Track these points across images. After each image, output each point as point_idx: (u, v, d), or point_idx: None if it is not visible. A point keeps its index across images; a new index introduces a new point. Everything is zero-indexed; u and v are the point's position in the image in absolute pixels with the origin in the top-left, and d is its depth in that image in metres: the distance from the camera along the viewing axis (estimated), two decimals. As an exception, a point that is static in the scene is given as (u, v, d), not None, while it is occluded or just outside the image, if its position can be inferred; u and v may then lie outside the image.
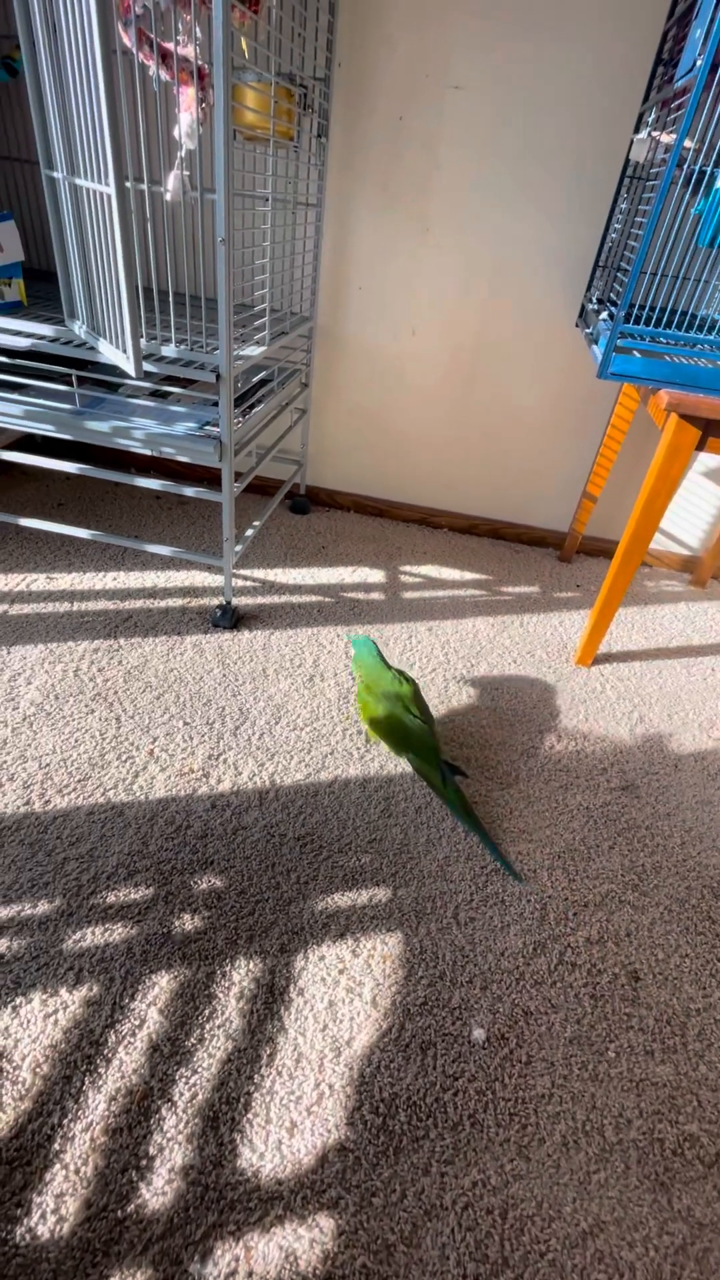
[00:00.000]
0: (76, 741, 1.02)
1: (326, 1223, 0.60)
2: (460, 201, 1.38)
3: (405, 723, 0.98)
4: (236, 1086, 0.68)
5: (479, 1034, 0.74)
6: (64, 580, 1.37)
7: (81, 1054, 0.68)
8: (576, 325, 1.45)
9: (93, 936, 0.78)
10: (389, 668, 1.05)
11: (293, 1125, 0.65)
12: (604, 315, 1.13)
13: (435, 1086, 0.70)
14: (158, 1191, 0.60)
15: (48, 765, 0.98)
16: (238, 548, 1.28)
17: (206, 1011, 0.73)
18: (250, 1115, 0.66)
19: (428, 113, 1.31)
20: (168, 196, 0.96)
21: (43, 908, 0.80)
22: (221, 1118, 0.65)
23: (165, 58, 0.90)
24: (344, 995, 0.76)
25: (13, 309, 1.20)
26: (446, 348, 1.56)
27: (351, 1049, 0.72)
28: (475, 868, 0.92)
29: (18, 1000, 0.72)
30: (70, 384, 1.18)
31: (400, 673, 1.04)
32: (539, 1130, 0.68)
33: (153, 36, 0.87)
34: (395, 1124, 0.67)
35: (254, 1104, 0.67)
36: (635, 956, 0.84)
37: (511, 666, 1.32)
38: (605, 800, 1.06)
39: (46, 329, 1.08)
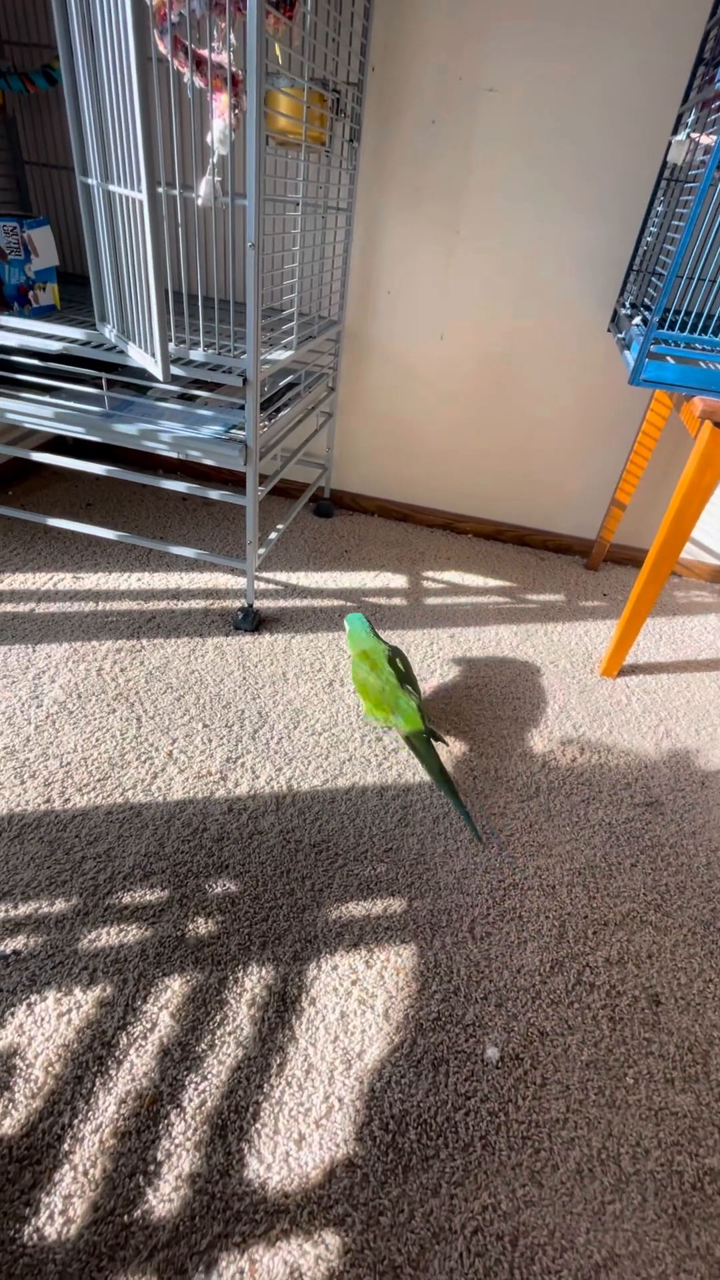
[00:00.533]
0: (97, 741, 1.03)
1: (333, 1240, 0.59)
2: (492, 204, 1.37)
3: (396, 694, 1.03)
4: (246, 1095, 0.67)
5: (493, 1053, 0.73)
6: (90, 580, 1.39)
7: (93, 1054, 0.68)
8: (608, 330, 1.43)
9: (108, 937, 0.78)
10: (381, 643, 1.10)
11: (301, 1138, 0.65)
12: (637, 320, 1.11)
13: (447, 1105, 0.68)
14: (164, 1198, 0.60)
15: (69, 763, 0.99)
16: (261, 551, 1.28)
17: (218, 1017, 0.73)
18: (258, 1125, 0.65)
19: (461, 116, 1.30)
20: (199, 202, 0.97)
21: (59, 906, 0.81)
22: (230, 1126, 0.65)
23: (200, 64, 0.90)
24: (356, 1007, 0.75)
25: (47, 312, 1.22)
26: (475, 352, 1.54)
27: (362, 1062, 0.71)
28: (493, 881, 0.91)
29: (33, 998, 0.72)
30: (100, 387, 1.20)
31: (392, 648, 1.09)
32: (553, 1156, 0.66)
33: (188, 44, 0.88)
34: (405, 1142, 0.65)
35: (262, 1114, 0.66)
36: (656, 979, 0.82)
37: (534, 676, 1.30)
38: (628, 816, 1.03)
39: (78, 333, 1.10)
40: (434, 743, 1.01)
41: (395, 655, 1.09)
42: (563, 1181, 0.64)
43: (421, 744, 1.00)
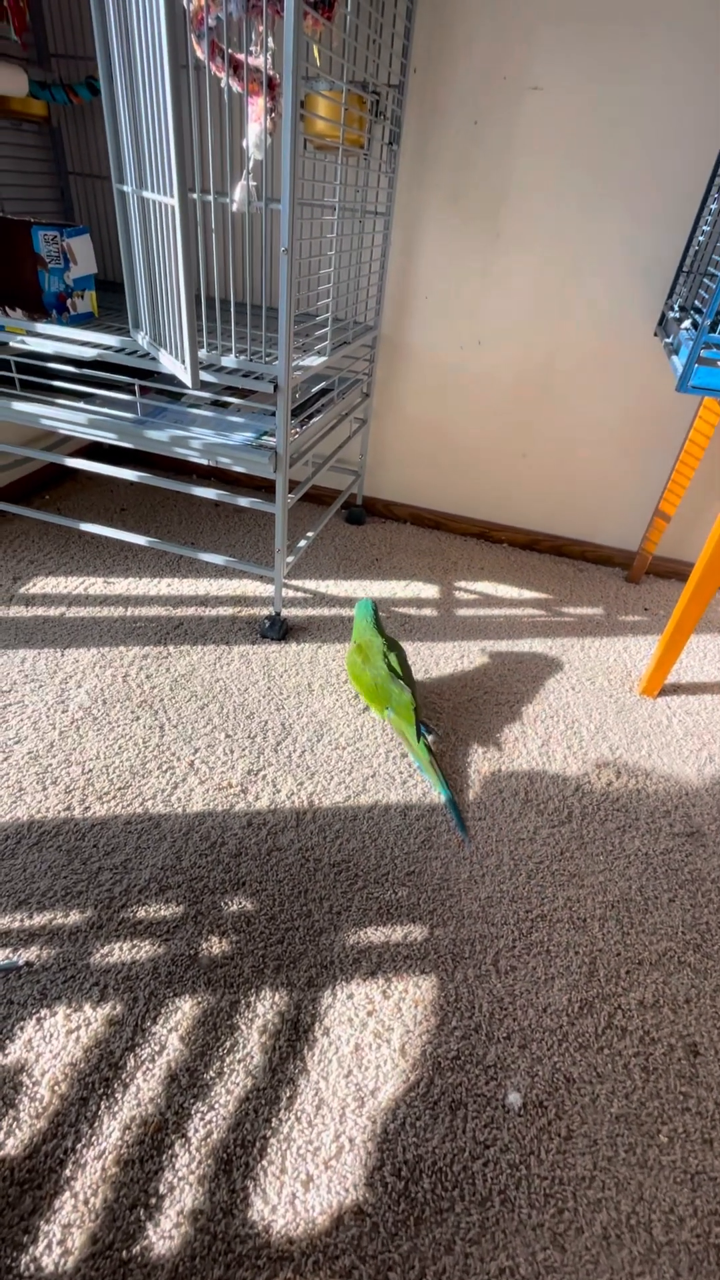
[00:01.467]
0: (120, 748, 1.02)
1: (337, 1294, 0.56)
2: (534, 206, 1.33)
3: (389, 684, 1.05)
4: (253, 1129, 0.64)
5: (515, 1098, 0.69)
6: (120, 585, 1.39)
7: (100, 1076, 0.67)
8: (655, 334, 1.37)
9: (120, 952, 0.77)
10: (381, 634, 1.12)
11: (309, 1179, 0.62)
12: (687, 324, 1.05)
13: (464, 1153, 0.64)
14: (165, 1234, 0.58)
15: (90, 770, 0.98)
16: (290, 559, 1.26)
17: (228, 1043, 0.70)
18: (265, 1162, 0.62)
19: (504, 116, 1.26)
20: (234, 207, 0.96)
21: (74, 918, 0.80)
22: (235, 1161, 0.62)
23: (236, 69, 0.89)
24: (371, 1040, 0.72)
25: (85, 320, 1.23)
26: (514, 357, 1.50)
27: (376, 1100, 0.67)
28: (519, 911, 0.86)
29: (42, 1012, 0.71)
30: (134, 393, 1.20)
31: (390, 639, 1.12)
32: (577, 1218, 0.61)
33: (224, 48, 0.87)
34: (418, 1191, 0.62)
35: (270, 1150, 0.63)
36: (695, 1027, 0.76)
37: (569, 693, 1.25)
38: (667, 846, 0.97)
39: (112, 340, 1.10)
40: (427, 735, 1.04)
41: (391, 648, 1.10)
42: (587, 1247, 0.60)
43: (412, 737, 1.02)
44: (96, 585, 1.38)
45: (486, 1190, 0.62)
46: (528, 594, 1.55)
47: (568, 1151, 0.65)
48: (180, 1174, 0.61)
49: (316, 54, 0.99)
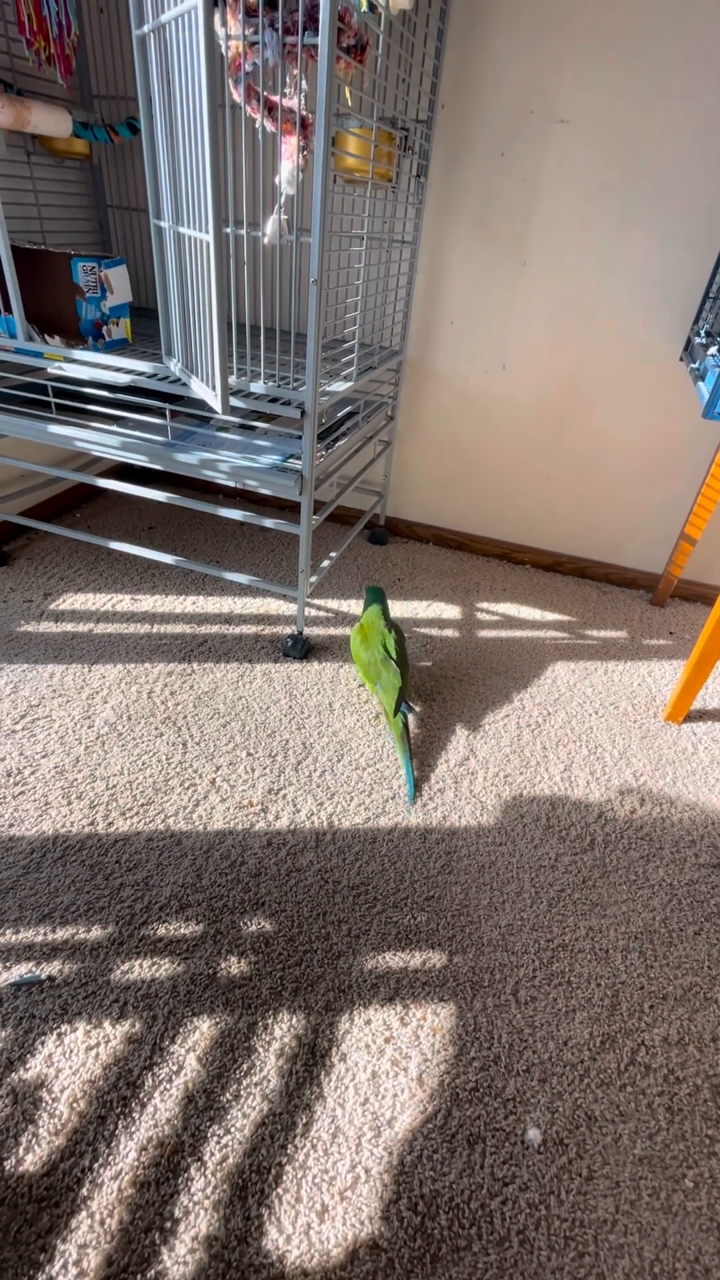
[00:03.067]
0: (144, 764, 1.04)
1: (352, 1331, 0.55)
2: (561, 234, 1.34)
3: (382, 665, 1.13)
4: (268, 1155, 0.64)
5: (534, 1135, 0.67)
6: (147, 602, 1.42)
7: (118, 1094, 0.67)
8: (681, 360, 1.37)
9: (140, 969, 0.77)
10: (385, 617, 1.21)
11: (324, 1209, 0.61)
12: (713, 350, 1.05)
13: (482, 1190, 0.63)
14: (179, 1260, 0.57)
15: (114, 786, 1.00)
16: (313, 579, 1.28)
17: (245, 1066, 0.70)
18: (280, 1190, 0.62)
19: (531, 148, 1.29)
20: (265, 240, 0.99)
21: (96, 933, 0.81)
22: (250, 1188, 0.62)
23: (270, 110, 0.93)
24: (388, 1067, 0.71)
25: (119, 346, 1.27)
26: (538, 382, 1.51)
27: (392, 1130, 0.67)
28: (540, 940, 0.85)
29: (63, 1028, 0.72)
30: (164, 417, 1.23)
31: (392, 622, 1.21)
32: (599, 1263, 0.60)
33: (260, 91, 0.91)
34: (435, 1227, 0.61)
35: (285, 1178, 0.63)
36: (722, 1067, 0.74)
37: (592, 718, 1.23)
38: (692, 877, 0.95)
39: (145, 365, 1.14)
40: (407, 714, 1.12)
41: (391, 629, 1.18)
42: (609, 1295, 0.58)
43: (389, 712, 1.10)
44: (124, 602, 1.41)
45: (505, 1230, 0.61)
46: (550, 616, 1.54)
47: (589, 1193, 0.64)
48: (195, 1198, 0.61)
49: (348, 95, 1.02)
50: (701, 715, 1.27)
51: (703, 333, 1.23)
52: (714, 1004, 0.80)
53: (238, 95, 0.92)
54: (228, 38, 0.88)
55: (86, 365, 1.18)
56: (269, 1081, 0.69)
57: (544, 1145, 0.67)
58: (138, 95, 0.94)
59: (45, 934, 0.80)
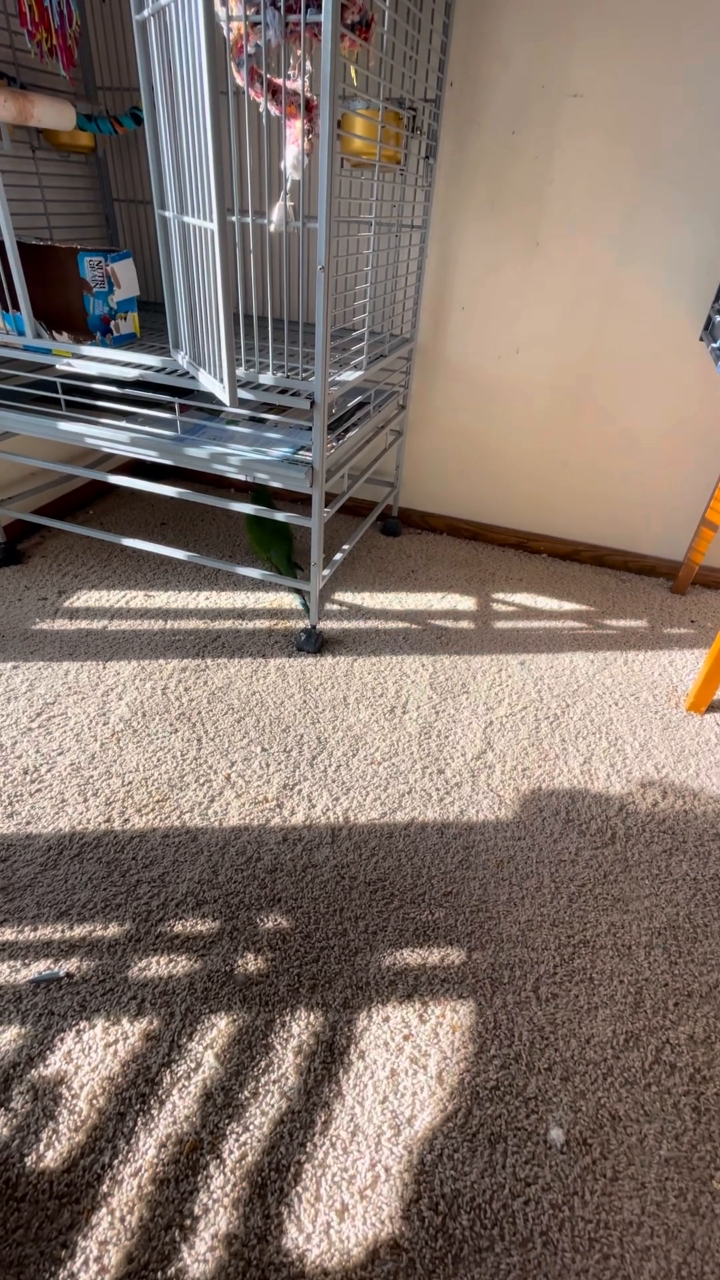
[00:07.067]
0: (159, 761, 1.04)
1: (373, 1332, 0.54)
2: (574, 213, 1.31)
3: (268, 544, 1.45)
4: (287, 1153, 0.64)
5: (557, 1134, 0.66)
6: (160, 598, 1.42)
7: (137, 1091, 0.67)
8: (701, 339, 1.33)
9: (157, 966, 0.77)
10: (279, 537, 1.47)
11: (344, 1208, 0.61)
12: (735, 328, 1.02)
13: (504, 1190, 0.62)
14: (199, 1258, 0.57)
15: (130, 783, 1.00)
16: (325, 571, 1.26)
17: (263, 1063, 0.70)
18: (299, 1188, 0.62)
19: (543, 124, 1.25)
20: (271, 227, 0.97)
21: (113, 930, 0.81)
22: (270, 1186, 0.62)
23: (275, 93, 0.91)
24: (407, 1065, 0.71)
25: (127, 340, 1.26)
26: (553, 366, 1.48)
27: (412, 1129, 0.66)
28: (561, 936, 0.84)
29: (82, 1024, 0.72)
30: (173, 411, 1.22)
31: (279, 532, 1.48)
32: (624, 1266, 0.58)
33: (263, 73, 0.89)
34: (456, 1227, 0.60)
35: (304, 1176, 0.62)
36: (750, 1067, 0.72)
37: (612, 709, 1.21)
38: (717, 871, 0.93)
39: (153, 360, 1.13)
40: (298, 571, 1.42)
41: (276, 538, 1.46)
42: (636, 1298, 0.57)
43: (283, 568, 1.41)
44: (137, 598, 1.41)
45: (528, 1230, 0.60)
46: (568, 605, 1.52)
47: (614, 1194, 0.63)
48: (215, 1196, 0.61)
49: (354, 74, 1.00)
50: (725, 705, 1.24)
51: (724, 310, 1.19)
52: (741, 1001, 0.78)
53: (241, 79, 0.90)
54: (229, 19, 0.86)
55: (95, 361, 1.17)
56: (287, 1079, 0.69)
57: (567, 1145, 0.66)
58: (140, 85, 0.93)
59: (63, 931, 0.80)
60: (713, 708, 1.23)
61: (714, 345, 1.13)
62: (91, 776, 1.00)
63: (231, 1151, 0.64)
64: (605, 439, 1.53)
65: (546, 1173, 0.64)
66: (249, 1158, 0.63)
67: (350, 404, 1.31)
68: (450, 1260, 0.58)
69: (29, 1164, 0.62)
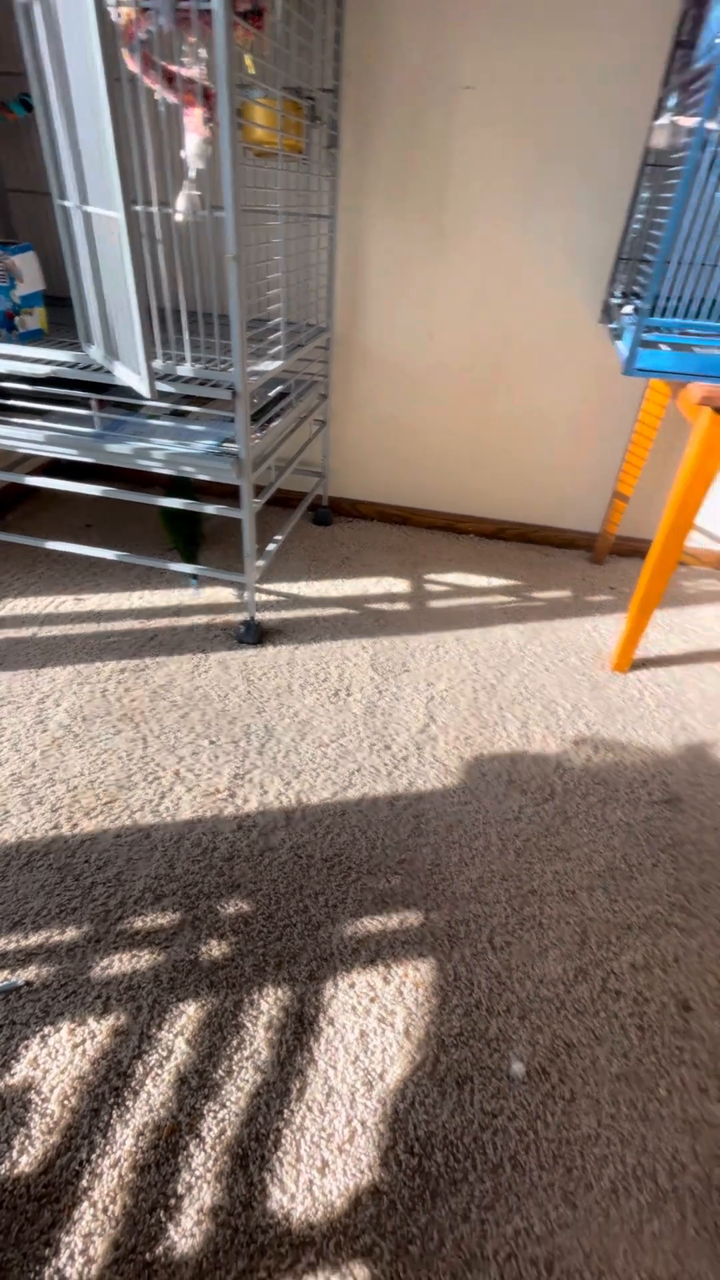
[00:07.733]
0: (104, 763, 1.02)
1: (361, 1272, 0.57)
2: (474, 201, 1.35)
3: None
4: (266, 1122, 0.65)
5: (518, 1068, 0.71)
6: (92, 601, 1.39)
7: (109, 1086, 0.67)
8: (600, 322, 1.41)
9: (120, 964, 0.77)
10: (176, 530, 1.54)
11: (324, 1164, 0.63)
12: (628, 309, 1.09)
13: (473, 1125, 0.66)
14: (186, 1233, 0.58)
15: (75, 788, 0.98)
16: (260, 563, 1.27)
17: (234, 1042, 0.71)
18: (280, 1153, 0.63)
19: (439, 115, 1.29)
20: (178, 217, 0.96)
21: (71, 934, 0.80)
22: (251, 1155, 0.63)
23: (170, 80, 0.90)
24: (375, 1025, 0.74)
25: (34, 337, 1.22)
26: (466, 351, 1.53)
27: (384, 1083, 0.69)
28: (511, 888, 0.89)
29: (46, 1029, 0.71)
30: (90, 408, 1.20)
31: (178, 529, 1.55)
32: (586, 1175, 0.64)
33: (157, 60, 0.88)
34: (431, 1165, 0.63)
35: (284, 1141, 0.64)
36: (685, 984, 0.79)
37: (544, 675, 1.28)
38: (647, 815, 1.01)
39: (65, 355, 1.10)
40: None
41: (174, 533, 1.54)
42: (597, 1201, 0.62)
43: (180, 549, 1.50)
44: (67, 603, 1.37)
45: (497, 1158, 0.64)
46: (497, 582, 1.58)
47: (572, 1113, 0.68)
48: (197, 1173, 0.62)
49: (249, 62, 1.00)
50: (645, 663, 1.33)
51: (618, 293, 1.27)
52: (675, 928, 0.86)
53: (134, 65, 0.89)
54: (117, 3, 0.85)
55: (3, 359, 1.13)
56: (260, 1054, 0.71)
57: (528, 1076, 0.70)
58: (28, 70, 0.90)
59: (17, 941, 0.79)
60: (635, 666, 1.32)
61: (612, 326, 1.20)
62: (34, 785, 0.98)
63: (210, 1129, 0.65)
64: (519, 420, 1.60)
65: (511, 1103, 0.68)
66: (228, 1132, 0.65)
67: (271, 394, 1.31)
68: (429, 1195, 0.62)
69: (2, 1172, 0.61)
